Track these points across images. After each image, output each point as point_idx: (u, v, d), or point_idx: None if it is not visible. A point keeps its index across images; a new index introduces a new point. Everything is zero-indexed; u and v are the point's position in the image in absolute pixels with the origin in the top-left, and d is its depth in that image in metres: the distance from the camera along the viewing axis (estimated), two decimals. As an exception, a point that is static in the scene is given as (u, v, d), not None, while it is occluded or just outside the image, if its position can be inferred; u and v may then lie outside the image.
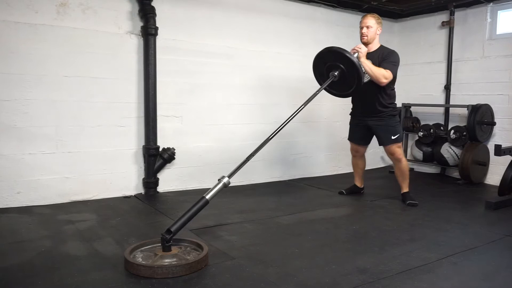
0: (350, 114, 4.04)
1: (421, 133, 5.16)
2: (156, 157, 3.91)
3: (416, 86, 5.60)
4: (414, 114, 5.50)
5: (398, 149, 3.74)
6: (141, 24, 3.81)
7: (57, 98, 3.51)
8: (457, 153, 4.85)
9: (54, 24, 3.45)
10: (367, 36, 3.60)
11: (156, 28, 3.80)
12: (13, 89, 3.33)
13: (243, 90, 4.50)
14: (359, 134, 3.97)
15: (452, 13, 5.05)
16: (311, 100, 3.17)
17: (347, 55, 3.19)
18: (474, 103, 4.66)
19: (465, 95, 5.01)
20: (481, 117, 4.60)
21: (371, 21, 3.60)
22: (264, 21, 4.59)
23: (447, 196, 4.19)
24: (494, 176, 4.69)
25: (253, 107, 4.59)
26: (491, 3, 4.79)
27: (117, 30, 3.74)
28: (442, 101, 5.29)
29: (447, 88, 5.19)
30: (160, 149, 3.94)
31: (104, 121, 3.73)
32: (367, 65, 3.44)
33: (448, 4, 4.96)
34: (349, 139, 4.09)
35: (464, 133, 4.73)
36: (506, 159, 4.00)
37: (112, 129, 3.78)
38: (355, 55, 3.38)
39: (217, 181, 2.53)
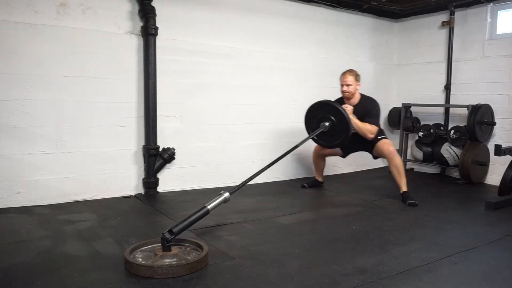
0: None
1: (421, 133, 5.16)
2: (156, 157, 3.91)
3: (416, 86, 5.61)
4: (414, 114, 5.50)
5: (388, 147, 3.84)
6: (141, 24, 3.81)
7: (57, 98, 3.51)
8: (457, 153, 4.85)
9: (54, 24, 3.45)
10: (348, 92, 3.95)
11: (156, 28, 3.80)
12: (13, 89, 3.33)
13: (243, 90, 4.50)
14: (349, 146, 4.10)
15: (452, 13, 5.05)
16: (298, 146, 3.47)
17: (339, 108, 3.57)
18: (474, 103, 4.66)
19: (465, 95, 5.01)
20: (481, 117, 4.60)
21: (350, 78, 3.94)
22: (264, 21, 4.59)
23: (447, 196, 4.19)
24: (494, 176, 4.69)
25: (253, 107, 4.59)
26: (491, 3, 4.79)
27: (117, 30, 3.74)
28: (442, 101, 5.29)
29: (447, 88, 5.19)
30: (160, 149, 3.94)
31: (104, 121, 3.73)
32: (354, 122, 3.77)
33: (448, 4, 4.96)
34: None
35: (464, 133, 4.73)
36: (506, 159, 4.00)
37: (112, 129, 3.78)
38: None
39: (219, 194, 2.59)
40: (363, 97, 4.03)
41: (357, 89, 3.97)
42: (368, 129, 3.81)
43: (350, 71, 3.98)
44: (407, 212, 3.52)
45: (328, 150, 4.20)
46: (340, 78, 4.02)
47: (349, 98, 3.97)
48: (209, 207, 2.48)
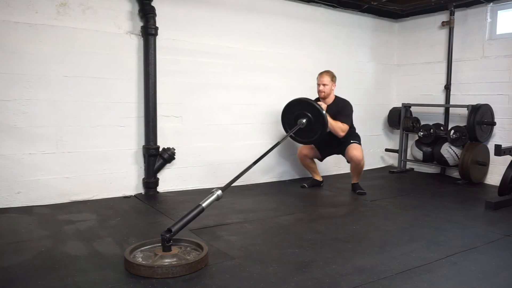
0: None
1: (421, 133, 5.16)
2: (156, 157, 3.91)
3: (416, 86, 5.61)
4: (414, 114, 5.50)
5: (356, 153, 4.03)
6: (141, 24, 3.81)
7: (57, 98, 3.51)
8: (457, 153, 4.85)
9: (54, 24, 3.45)
10: (324, 92, 4.11)
11: (156, 28, 3.80)
12: (13, 89, 3.33)
13: (243, 90, 4.50)
14: (324, 149, 4.32)
15: (452, 13, 5.05)
16: (279, 144, 3.53)
17: (315, 104, 3.70)
18: (474, 103, 4.66)
19: (465, 95, 5.01)
20: (481, 117, 4.60)
21: (327, 79, 4.10)
22: (264, 21, 4.59)
23: (447, 196, 4.19)
24: (494, 176, 4.69)
25: (253, 107, 4.59)
26: (491, 3, 4.79)
27: (117, 30, 3.74)
28: (442, 101, 5.29)
29: (447, 88, 5.19)
30: (160, 149, 3.94)
31: (104, 121, 3.73)
32: (327, 120, 3.81)
33: (448, 4, 4.96)
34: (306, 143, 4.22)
35: (464, 133, 4.73)
36: (506, 159, 4.00)
37: (112, 129, 3.78)
38: None
39: (211, 192, 2.57)
40: (337, 98, 4.20)
41: (332, 89, 4.14)
42: (339, 127, 3.96)
43: (327, 72, 4.14)
44: (407, 212, 3.52)
45: (309, 152, 4.35)
46: (317, 78, 4.18)
47: (324, 98, 4.14)
48: (203, 205, 2.49)
